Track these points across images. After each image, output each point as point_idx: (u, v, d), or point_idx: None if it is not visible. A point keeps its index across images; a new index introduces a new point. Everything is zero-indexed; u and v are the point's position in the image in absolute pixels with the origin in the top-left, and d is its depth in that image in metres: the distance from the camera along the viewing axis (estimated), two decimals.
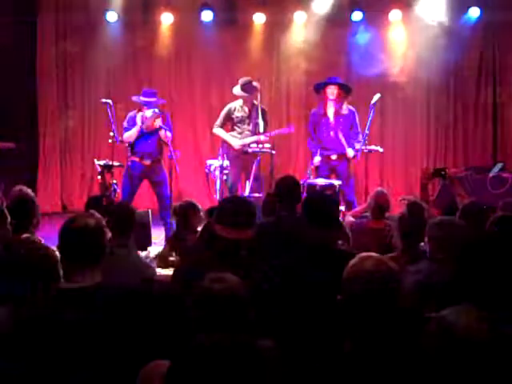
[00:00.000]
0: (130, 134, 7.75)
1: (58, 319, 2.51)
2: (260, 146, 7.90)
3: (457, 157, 10.67)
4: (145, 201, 9.24)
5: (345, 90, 8.14)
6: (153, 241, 6.95)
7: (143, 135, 7.78)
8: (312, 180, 7.63)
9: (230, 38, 10.43)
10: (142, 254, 5.41)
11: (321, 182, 7.60)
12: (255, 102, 8.01)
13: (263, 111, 8.10)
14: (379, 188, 6.19)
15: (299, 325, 3.01)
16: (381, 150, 8.10)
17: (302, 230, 3.54)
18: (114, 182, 7.77)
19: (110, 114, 7.72)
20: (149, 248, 6.25)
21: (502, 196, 7.67)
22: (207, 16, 10.00)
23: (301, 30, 10.24)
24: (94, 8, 10.12)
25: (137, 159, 7.80)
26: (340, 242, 4.51)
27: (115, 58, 10.30)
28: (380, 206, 5.53)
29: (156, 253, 5.82)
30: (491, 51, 10.46)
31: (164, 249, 5.67)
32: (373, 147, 8.00)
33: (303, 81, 10.33)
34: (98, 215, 2.87)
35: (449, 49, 9.84)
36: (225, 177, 7.84)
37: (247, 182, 7.97)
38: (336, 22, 10.07)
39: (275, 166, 8.12)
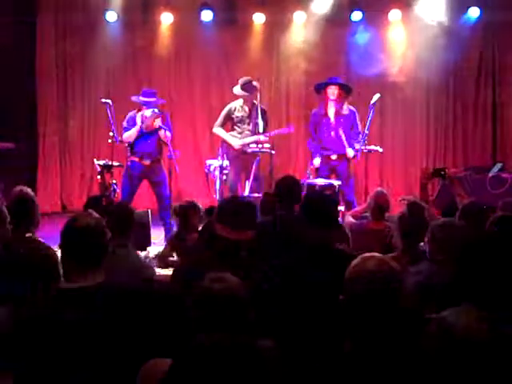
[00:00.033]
0: (130, 134, 7.75)
1: (58, 319, 2.51)
2: (259, 146, 7.90)
3: (456, 157, 10.67)
4: (144, 201, 9.23)
5: (345, 91, 8.14)
6: (152, 241, 6.94)
7: (143, 135, 7.77)
8: (311, 180, 7.63)
9: (229, 38, 10.43)
10: (142, 254, 5.41)
11: (320, 182, 7.60)
12: (255, 101, 8.01)
13: (263, 111, 8.10)
14: (379, 188, 6.18)
15: (299, 325, 3.01)
16: (380, 150, 8.11)
17: (300, 229, 3.54)
18: (114, 182, 7.77)
19: (109, 113, 7.71)
20: (148, 248, 6.25)
21: (501, 196, 7.67)
22: (207, 16, 10.00)
23: (300, 30, 10.24)
24: (93, 8, 10.12)
25: (136, 159, 7.80)
26: (338, 243, 4.51)
27: (115, 58, 10.30)
28: (380, 206, 5.52)
29: (155, 253, 5.81)
30: (491, 51, 10.46)
31: (164, 249, 5.67)
32: (372, 147, 8.00)
33: (303, 81, 10.33)
34: (96, 215, 2.86)
35: (448, 49, 9.84)
36: (224, 177, 7.84)
37: (247, 181, 7.98)
38: (335, 21, 10.07)
39: (275, 166, 8.12)
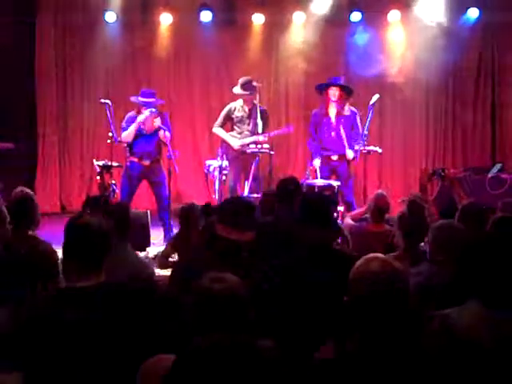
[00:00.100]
0: (128, 133, 7.72)
1: (58, 319, 2.51)
2: (259, 146, 7.90)
3: (456, 157, 10.68)
4: (143, 201, 9.23)
5: (346, 92, 8.13)
6: (151, 241, 6.94)
7: (142, 135, 7.77)
8: (311, 180, 7.63)
9: (228, 39, 10.43)
10: (141, 254, 5.41)
11: (319, 182, 7.60)
12: (255, 101, 8.01)
13: (264, 111, 8.11)
14: (379, 190, 6.15)
15: (299, 325, 3.02)
16: (379, 150, 8.09)
17: (299, 229, 3.54)
18: (113, 182, 7.76)
19: (108, 114, 7.71)
20: (147, 248, 6.25)
21: (500, 196, 7.66)
22: (206, 16, 10.00)
23: (300, 31, 10.24)
24: (92, 8, 10.12)
25: (136, 159, 7.80)
26: (338, 245, 4.51)
27: (114, 59, 10.30)
28: (380, 208, 5.50)
29: (155, 253, 5.81)
30: (490, 52, 10.47)
31: (165, 249, 5.66)
32: (371, 148, 7.99)
33: (302, 81, 10.34)
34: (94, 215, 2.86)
35: (448, 49, 9.84)
36: (224, 177, 7.85)
37: (246, 182, 7.98)
38: (335, 22, 10.08)
39: (274, 167, 8.13)
